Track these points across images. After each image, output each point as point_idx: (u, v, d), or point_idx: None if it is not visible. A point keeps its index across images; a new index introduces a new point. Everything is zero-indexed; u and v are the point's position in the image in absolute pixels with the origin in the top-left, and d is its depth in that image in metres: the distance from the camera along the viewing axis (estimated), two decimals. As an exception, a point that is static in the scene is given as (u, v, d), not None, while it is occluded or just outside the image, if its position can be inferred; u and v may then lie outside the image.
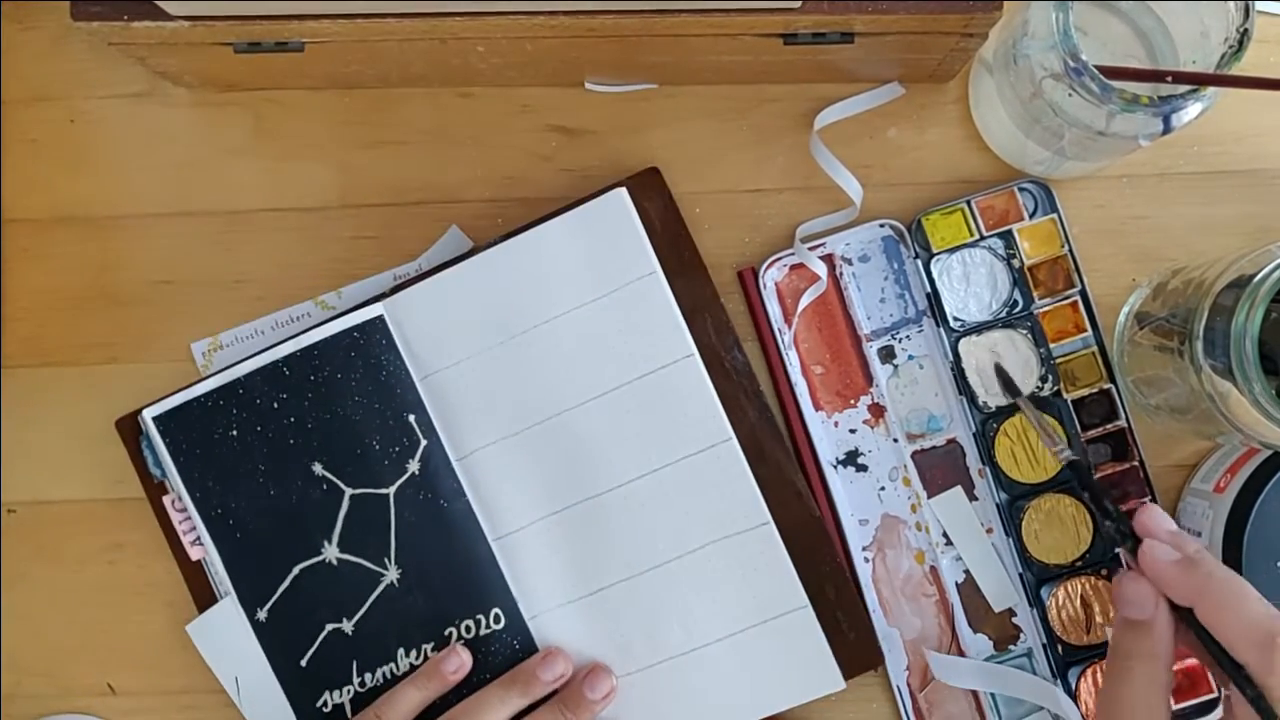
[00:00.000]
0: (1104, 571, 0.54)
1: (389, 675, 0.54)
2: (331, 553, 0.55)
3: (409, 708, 0.52)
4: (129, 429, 0.56)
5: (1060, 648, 0.53)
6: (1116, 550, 0.53)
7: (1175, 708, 0.52)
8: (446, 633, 0.54)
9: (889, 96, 0.56)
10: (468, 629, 0.54)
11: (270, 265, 0.57)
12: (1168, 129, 0.46)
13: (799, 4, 0.45)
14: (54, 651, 0.57)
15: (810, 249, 0.55)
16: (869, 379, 0.56)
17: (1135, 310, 0.53)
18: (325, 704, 0.55)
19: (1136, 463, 0.54)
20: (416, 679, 0.53)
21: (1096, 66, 0.44)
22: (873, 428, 0.56)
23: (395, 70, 0.54)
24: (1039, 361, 0.54)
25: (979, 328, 0.54)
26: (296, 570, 0.55)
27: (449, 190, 0.57)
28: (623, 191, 0.54)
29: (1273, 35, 0.56)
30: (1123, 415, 0.54)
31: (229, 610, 0.55)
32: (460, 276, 0.54)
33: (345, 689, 0.55)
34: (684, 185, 0.56)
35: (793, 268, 0.56)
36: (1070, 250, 0.55)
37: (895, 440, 0.55)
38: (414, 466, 0.54)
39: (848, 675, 0.53)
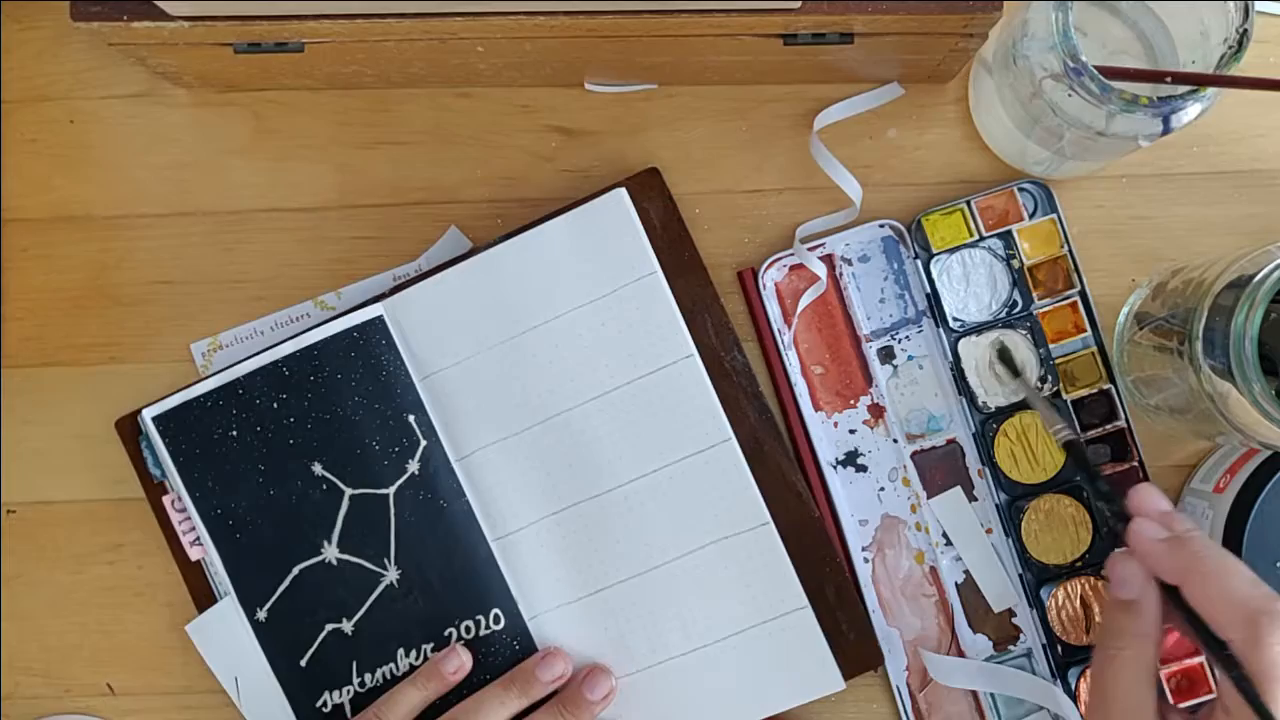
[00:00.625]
0: (1103, 572, 0.54)
1: (389, 675, 0.54)
2: (331, 553, 0.54)
3: (409, 708, 0.52)
4: (129, 429, 0.56)
5: (1060, 648, 0.53)
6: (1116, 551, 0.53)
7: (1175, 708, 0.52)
8: (446, 633, 0.54)
9: (889, 97, 0.56)
10: (467, 629, 0.54)
11: (270, 265, 0.57)
12: (1167, 129, 0.46)
13: (799, 4, 0.45)
14: (53, 652, 0.57)
15: (810, 249, 0.55)
16: (869, 379, 0.56)
17: (1135, 310, 0.53)
18: (325, 704, 0.55)
19: (1136, 463, 0.54)
20: (416, 679, 0.53)
21: (1096, 67, 0.44)
22: (872, 428, 0.56)
23: (395, 70, 0.54)
24: (1039, 362, 0.54)
25: (979, 328, 0.54)
26: (296, 570, 0.55)
27: (448, 190, 0.57)
28: (623, 192, 0.54)
29: (1272, 35, 0.56)
30: (1122, 415, 0.54)
31: (228, 610, 0.55)
32: (460, 277, 0.54)
33: (345, 689, 0.55)
34: (684, 185, 0.56)
35: (792, 268, 0.56)
36: (1070, 250, 0.55)
37: (895, 440, 0.55)
38: (414, 467, 0.54)
39: (847, 676, 0.53)
